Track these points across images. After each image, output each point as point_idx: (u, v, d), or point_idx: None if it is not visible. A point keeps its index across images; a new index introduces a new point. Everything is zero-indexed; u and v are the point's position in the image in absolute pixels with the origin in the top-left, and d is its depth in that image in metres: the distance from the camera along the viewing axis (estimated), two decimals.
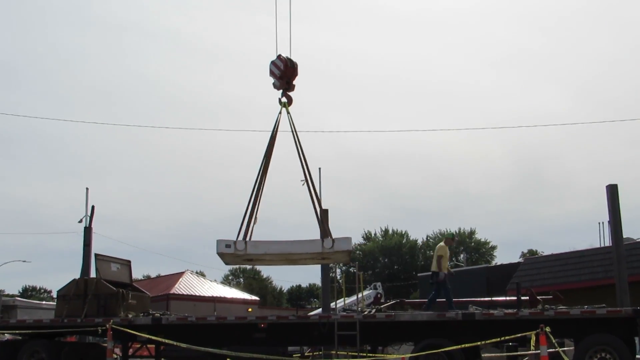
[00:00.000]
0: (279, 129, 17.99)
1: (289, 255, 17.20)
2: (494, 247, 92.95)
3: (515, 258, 67.22)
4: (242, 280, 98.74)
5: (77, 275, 25.61)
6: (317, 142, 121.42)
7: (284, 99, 18.22)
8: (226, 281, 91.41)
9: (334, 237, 16.87)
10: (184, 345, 18.95)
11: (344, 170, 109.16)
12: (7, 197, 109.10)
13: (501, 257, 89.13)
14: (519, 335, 17.17)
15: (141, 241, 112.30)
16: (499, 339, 17.72)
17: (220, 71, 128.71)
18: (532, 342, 16.22)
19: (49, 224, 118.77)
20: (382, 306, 23.96)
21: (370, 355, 19.51)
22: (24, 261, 59.68)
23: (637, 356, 17.98)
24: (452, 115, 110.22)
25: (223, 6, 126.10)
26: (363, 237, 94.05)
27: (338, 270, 75.46)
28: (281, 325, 19.77)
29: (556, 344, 17.15)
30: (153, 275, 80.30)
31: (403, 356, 20.75)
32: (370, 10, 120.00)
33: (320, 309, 29.19)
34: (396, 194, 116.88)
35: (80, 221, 29.46)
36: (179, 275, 59.25)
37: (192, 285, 57.76)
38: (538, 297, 23.17)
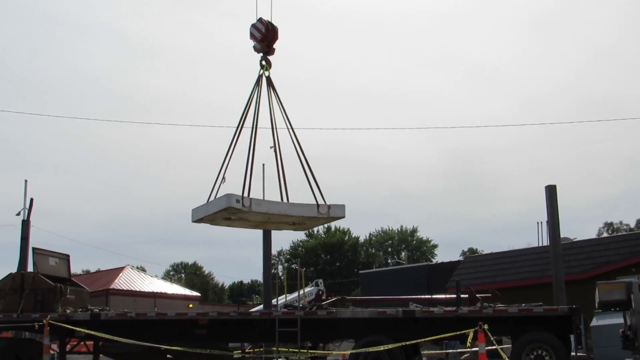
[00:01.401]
0: (256, 94, 17.98)
1: (278, 217, 17.33)
2: (435, 246, 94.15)
3: (456, 256, 68.09)
4: (183, 275, 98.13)
5: (14, 269, 25.12)
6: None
7: (264, 63, 18.14)
8: (167, 277, 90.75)
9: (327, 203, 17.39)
10: (123, 340, 18.73)
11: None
12: None
13: (442, 256, 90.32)
14: (458, 332, 17.37)
15: (81, 235, 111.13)
16: (438, 337, 17.92)
17: (154, 65, 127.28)
18: (469, 340, 16.39)
19: None
20: (323, 303, 24.01)
21: (311, 352, 19.54)
22: None
23: (572, 353, 18.30)
24: (385, 116, 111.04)
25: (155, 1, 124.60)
26: (305, 234, 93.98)
27: (280, 267, 75.58)
28: (222, 322, 19.63)
29: (494, 342, 17.39)
30: (92, 270, 79.28)
31: (343, 353, 20.85)
32: (303, 11, 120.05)
33: (261, 306, 29.18)
34: (336, 194, 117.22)
35: (18, 214, 29.00)
36: (119, 270, 58.75)
37: (132, 281, 57.30)
38: (477, 295, 23.46)
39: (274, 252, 46.15)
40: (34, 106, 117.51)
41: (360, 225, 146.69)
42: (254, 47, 18.28)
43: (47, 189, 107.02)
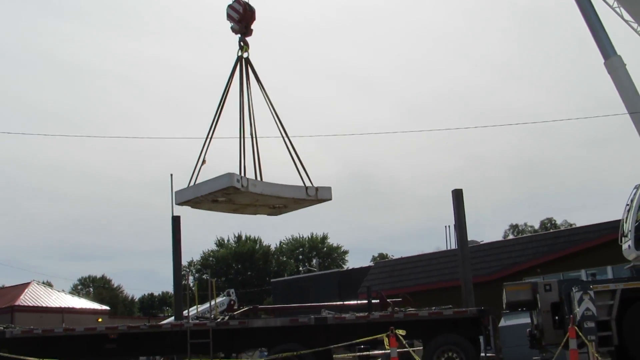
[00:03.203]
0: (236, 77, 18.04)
1: (269, 198, 17.36)
2: (345, 252, 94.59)
3: (367, 262, 68.61)
4: (92, 289, 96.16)
5: None
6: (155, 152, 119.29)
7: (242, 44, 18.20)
8: (75, 291, 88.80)
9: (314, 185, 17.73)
10: (29, 359, 18.21)
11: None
12: None
13: (353, 262, 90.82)
14: (371, 337, 17.46)
15: None
16: (351, 342, 17.99)
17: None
18: (387, 344, 16.48)
19: None
20: (235, 313, 23.86)
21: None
22: None
23: (482, 354, 18.59)
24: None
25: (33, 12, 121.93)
26: (216, 243, 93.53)
27: (191, 278, 74.77)
28: (132, 335, 19.31)
29: (406, 345, 17.54)
30: None
31: None
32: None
33: (172, 318, 28.76)
34: None
35: None
36: (24, 286, 57.26)
37: (39, 296, 55.92)
38: (388, 300, 23.68)
39: (184, 262, 45.66)
40: None
41: (270, 233, 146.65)
42: (232, 27, 18.21)
43: None
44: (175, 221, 25.05)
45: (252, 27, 18.33)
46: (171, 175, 24.31)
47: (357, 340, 17.76)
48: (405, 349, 17.37)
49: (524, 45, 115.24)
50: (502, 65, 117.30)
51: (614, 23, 20.34)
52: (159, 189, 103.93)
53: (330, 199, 18.10)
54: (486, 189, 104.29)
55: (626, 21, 20.34)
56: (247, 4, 18.11)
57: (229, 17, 18.17)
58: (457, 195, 23.49)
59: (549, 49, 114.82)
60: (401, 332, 16.00)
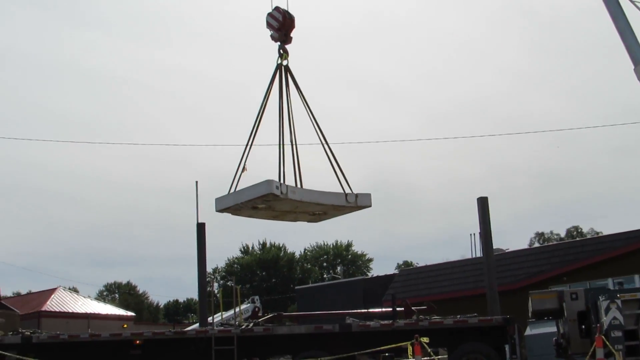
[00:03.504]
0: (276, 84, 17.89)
1: (308, 204, 17.27)
2: (370, 260, 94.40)
3: (391, 270, 68.48)
4: (117, 295, 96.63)
5: None
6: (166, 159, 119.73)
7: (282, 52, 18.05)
8: (101, 297, 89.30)
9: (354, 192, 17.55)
10: None
11: None
12: None
13: (377, 269, 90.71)
14: (395, 345, 17.43)
15: (8, 257, 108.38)
16: (375, 350, 17.95)
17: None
18: (410, 353, 16.44)
19: None
20: (260, 320, 23.87)
21: None
22: None
23: None
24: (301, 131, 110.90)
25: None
26: (241, 250, 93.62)
27: (215, 285, 74.94)
28: (157, 341, 19.42)
29: (431, 353, 17.48)
30: (23, 292, 77.51)
31: None
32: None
33: (197, 324, 28.85)
34: None
35: None
36: (51, 291, 57.57)
37: (65, 302, 56.22)
38: (413, 308, 23.60)
39: (209, 269, 45.74)
40: None
41: (295, 240, 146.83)
42: (271, 36, 18.10)
43: None
44: (200, 228, 25.15)
45: (292, 35, 18.22)
46: (196, 182, 24.44)
47: (381, 348, 17.73)
48: (430, 358, 17.34)
49: (545, 52, 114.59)
50: (523, 73, 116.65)
51: None
52: (183, 196, 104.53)
53: (370, 206, 17.87)
54: (510, 197, 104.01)
55: None
56: (287, 12, 18.00)
57: (269, 25, 18.13)
58: (483, 203, 23.43)
59: (570, 56, 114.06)
60: (425, 339, 15.97)
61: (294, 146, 17.55)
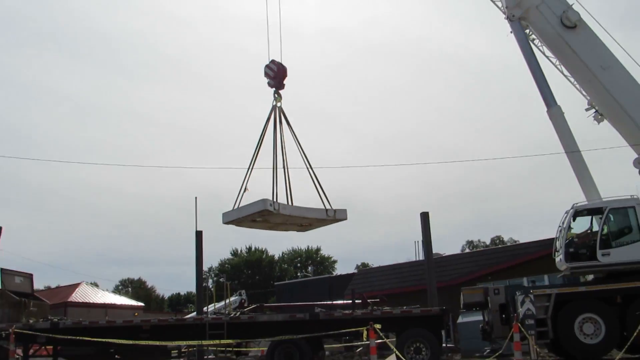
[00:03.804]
0: (271, 122, 17.97)
1: (296, 218, 17.36)
2: (335, 261, 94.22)
3: (352, 269, 68.33)
4: (130, 289, 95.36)
5: None
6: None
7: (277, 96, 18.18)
8: (116, 290, 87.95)
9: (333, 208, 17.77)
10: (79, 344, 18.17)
11: None
12: None
13: (341, 269, 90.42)
14: (354, 330, 17.39)
15: (42, 256, 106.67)
16: (338, 333, 17.90)
17: None
18: (365, 336, 16.40)
19: None
20: (245, 309, 23.75)
21: (236, 348, 19.24)
22: None
23: (443, 345, 18.52)
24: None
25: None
26: (231, 253, 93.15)
27: (210, 280, 74.39)
28: (162, 327, 19.24)
29: (383, 337, 17.46)
30: (53, 286, 76.04)
31: (262, 349, 20.61)
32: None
33: (194, 313, 28.58)
34: None
35: None
36: (76, 286, 56.94)
37: (87, 294, 55.58)
38: (368, 300, 23.59)
39: (205, 268, 45.49)
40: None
41: (274, 246, 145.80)
42: (268, 83, 18.13)
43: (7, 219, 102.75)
44: (198, 235, 24.98)
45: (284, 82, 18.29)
46: (195, 198, 24.37)
47: (343, 331, 17.69)
48: (382, 340, 17.32)
49: (472, 95, 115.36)
50: (453, 111, 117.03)
51: (554, 77, 20.37)
52: (185, 209, 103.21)
53: (346, 219, 17.93)
54: (445, 210, 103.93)
55: (565, 76, 20.41)
56: (281, 64, 18.10)
57: (266, 74, 18.13)
58: (424, 217, 23.46)
59: (492, 98, 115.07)
60: (378, 326, 15.94)
61: (286, 170, 17.60)
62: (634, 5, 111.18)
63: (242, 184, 17.42)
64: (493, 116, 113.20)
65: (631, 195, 18.11)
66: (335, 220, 17.83)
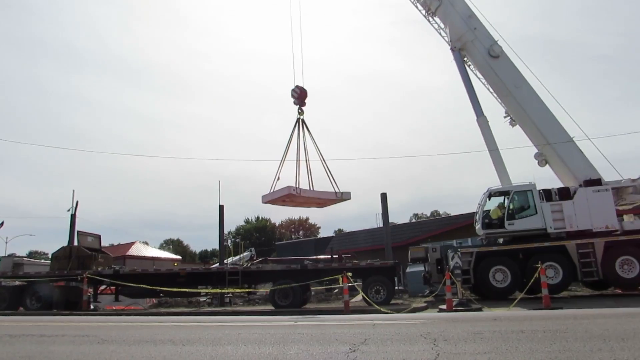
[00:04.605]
0: (296, 131, 17.67)
1: (314, 199, 17.09)
2: (319, 227, 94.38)
3: (331, 233, 68.44)
4: (171, 247, 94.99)
5: (66, 244, 23.95)
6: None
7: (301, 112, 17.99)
8: (161, 247, 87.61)
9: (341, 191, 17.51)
10: (133, 285, 18.09)
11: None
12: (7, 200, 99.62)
13: (323, 233, 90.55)
14: (332, 277, 17.44)
15: (108, 221, 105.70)
16: (321, 280, 17.94)
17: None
18: (340, 281, 16.45)
19: (49, 211, 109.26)
20: (254, 262, 23.75)
21: (247, 289, 19.24)
22: (30, 235, 55.20)
23: (396, 288, 18.58)
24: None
25: None
26: (245, 221, 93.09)
27: (229, 241, 74.19)
28: (195, 274, 19.21)
29: (353, 282, 17.52)
30: (115, 243, 75.58)
31: (266, 290, 20.64)
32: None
33: (217, 264, 28.61)
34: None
35: (69, 210, 27.83)
36: (131, 244, 56.89)
37: (140, 250, 55.47)
38: (343, 256, 23.67)
39: (225, 231, 45.59)
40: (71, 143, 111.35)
41: (277, 215, 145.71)
42: (294, 102, 17.94)
43: (82, 193, 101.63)
44: (221, 209, 24.90)
45: (306, 101, 18.12)
46: (219, 182, 24.37)
47: (325, 279, 17.74)
48: (352, 284, 17.39)
49: (405, 110, 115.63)
50: (393, 118, 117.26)
51: (483, 94, 20.33)
52: (211, 190, 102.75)
53: (350, 199, 17.78)
54: (398, 191, 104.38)
55: (490, 92, 20.43)
56: (302, 88, 18.02)
57: (292, 96, 18.03)
58: (383, 197, 23.59)
59: (428, 113, 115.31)
60: (349, 274, 16.01)
61: (308, 164, 17.51)
62: (535, 42, 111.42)
63: (276, 174, 17.20)
64: (436, 124, 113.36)
65: (529, 182, 18.27)
66: (342, 199, 17.68)
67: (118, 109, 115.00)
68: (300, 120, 17.91)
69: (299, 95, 17.99)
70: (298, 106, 18.04)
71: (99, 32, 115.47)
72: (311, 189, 17.12)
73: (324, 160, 17.56)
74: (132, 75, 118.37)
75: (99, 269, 19.52)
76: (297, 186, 16.60)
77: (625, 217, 18.48)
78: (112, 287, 19.59)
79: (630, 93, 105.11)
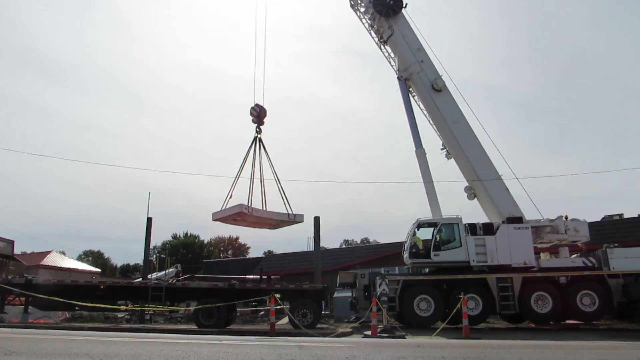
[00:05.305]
0: (252, 149, 17.35)
1: (266, 219, 16.71)
2: (249, 247, 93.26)
3: (260, 254, 67.64)
4: (90, 258, 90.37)
5: None
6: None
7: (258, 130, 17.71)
8: (80, 259, 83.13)
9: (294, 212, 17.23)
10: (45, 297, 16.99)
11: None
12: None
13: (253, 253, 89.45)
14: (259, 298, 17.25)
15: (23, 228, 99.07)
16: (248, 300, 17.69)
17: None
18: (268, 303, 16.30)
19: None
20: (180, 278, 23.10)
21: (170, 307, 18.62)
22: None
23: (322, 312, 18.62)
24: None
25: None
26: (172, 236, 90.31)
27: (154, 256, 71.65)
28: (115, 287, 18.36)
29: (281, 303, 17.41)
30: (29, 252, 70.95)
31: (189, 309, 20.05)
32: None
33: (140, 278, 27.58)
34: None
35: None
36: (47, 252, 53.67)
37: (56, 260, 52.40)
38: (271, 277, 23.47)
39: (151, 246, 44.01)
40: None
41: (205, 233, 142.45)
42: (252, 120, 17.67)
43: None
44: (149, 221, 24.20)
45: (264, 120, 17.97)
46: (149, 193, 23.67)
47: (252, 300, 17.51)
48: (280, 306, 17.28)
49: (352, 140, 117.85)
50: (339, 150, 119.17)
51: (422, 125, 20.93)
52: (137, 201, 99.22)
53: (303, 222, 17.61)
54: (330, 217, 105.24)
55: (430, 124, 21.03)
56: (262, 107, 17.85)
57: (251, 114, 17.80)
58: (316, 221, 23.79)
59: (367, 141, 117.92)
60: (278, 295, 15.90)
61: (262, 183, 17.21)
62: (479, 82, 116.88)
63: (229, 192, 16.81)
64: (368, 153, 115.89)
65: (456, 215, 18.91)
66: (295, 222, 17.45)
67: (33, 108, 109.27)
68: (257, 139, 17.80)
69: (258, 114, 17.93)
70: (256, 125, 17.97)
71: (19, 26, 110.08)
72: (264, 209, 16.97)
73: (278, 180, 17.46)
74: (55, 74, 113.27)
75: (9, 277, 18.28)
76: (250, 205, 16.40)
77: (542, 254, 19.58)
78: (22, 298, 18.35)
79: (539, 138, 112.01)
